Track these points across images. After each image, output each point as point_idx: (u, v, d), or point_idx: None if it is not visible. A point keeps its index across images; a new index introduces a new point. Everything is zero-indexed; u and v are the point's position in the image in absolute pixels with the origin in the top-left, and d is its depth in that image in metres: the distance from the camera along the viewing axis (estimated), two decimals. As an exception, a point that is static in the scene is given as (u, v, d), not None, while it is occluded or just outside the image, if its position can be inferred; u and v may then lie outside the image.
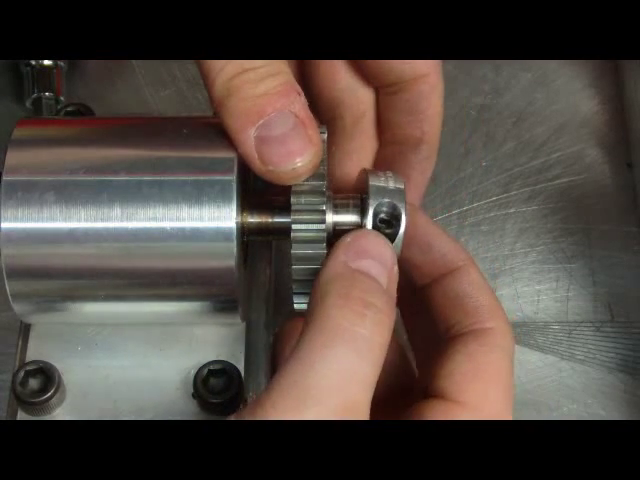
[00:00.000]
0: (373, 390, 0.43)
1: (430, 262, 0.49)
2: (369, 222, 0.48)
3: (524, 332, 0.61)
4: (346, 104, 0.54)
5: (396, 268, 0.46)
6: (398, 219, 0.48)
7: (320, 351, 0.42)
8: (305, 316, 0.44)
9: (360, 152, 0.54)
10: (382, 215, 0.48)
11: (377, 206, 0.48)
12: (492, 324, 0.47)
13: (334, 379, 0.42)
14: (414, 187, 0.54)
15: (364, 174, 0.49)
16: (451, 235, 0.49)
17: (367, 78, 0.54)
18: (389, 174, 0.49)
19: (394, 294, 0.46)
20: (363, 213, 0.48)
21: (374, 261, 0.45)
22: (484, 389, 0.45)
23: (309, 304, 0.45)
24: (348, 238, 0.46)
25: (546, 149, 0.67)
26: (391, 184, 0.48)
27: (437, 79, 0.53)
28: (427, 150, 0.54)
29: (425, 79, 0.52)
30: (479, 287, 0.48)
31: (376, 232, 0.47)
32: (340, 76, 0.54)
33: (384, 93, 0.54)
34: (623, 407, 0.58)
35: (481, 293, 0.48)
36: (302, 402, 0.41)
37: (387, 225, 0.48)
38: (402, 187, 0.48)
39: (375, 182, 0.48)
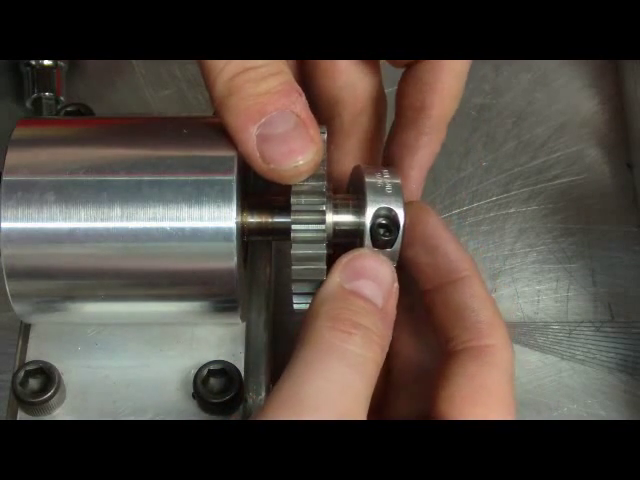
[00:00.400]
0: (368, 404, 0.43)
1: (433, 266, 0.48)
2: (367, 230, 0.48)
3: (524, 332, 0.61)
4: (344, 102, 0.54)
5: (396, 285, 0.46)
6: (397, 225, 0.47)
7: (314, 366, 0.43)
8: (299, 333, 0.45)
9: (358, 150, 0.54)
10: (380, 220, 0.48)
11: (374, 213, 0.48)
12: (491, 341, 0.46)
13: (329, 392, 0.42)
14: (406, 163, 0.52)
15: (359, 172, 0.49)
16: (460, 242, 0.48)
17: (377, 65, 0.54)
18: (385, 173, 0.49)
19: (392, 312, 0.46)
20: (362, 214, 0.48)
21: (369, 281, 0.46)
22: (485, 413, 0.45)
23: (303, 322, 0.45)
24: (345, 258, 0.46)
25: (546, 149, 0.67)
26: (388, 186, 0.48)
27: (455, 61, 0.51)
28: (427, 125, 0.51)
29: None
30: (480, 300, 0.47)
31: (374, 251, 0.47)
32: (339, 73, 0.53)
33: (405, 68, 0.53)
34: (623, 407, 0.58)
35: (482, 307, 0.46)
36: (297, 414, 0.41)
37: (386, 230, 0.48)
38: (399, 190, 0.48)
39: (371, 186, 0.48)
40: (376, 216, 0.48)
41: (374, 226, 0.48)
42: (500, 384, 0.45)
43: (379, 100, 0.54)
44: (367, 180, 0.48)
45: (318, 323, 0.44)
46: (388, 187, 0.48)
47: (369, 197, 0.48)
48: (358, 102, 0.54)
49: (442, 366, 0.46)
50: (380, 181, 0.48)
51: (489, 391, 0.45)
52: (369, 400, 0.43)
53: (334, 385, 0.42)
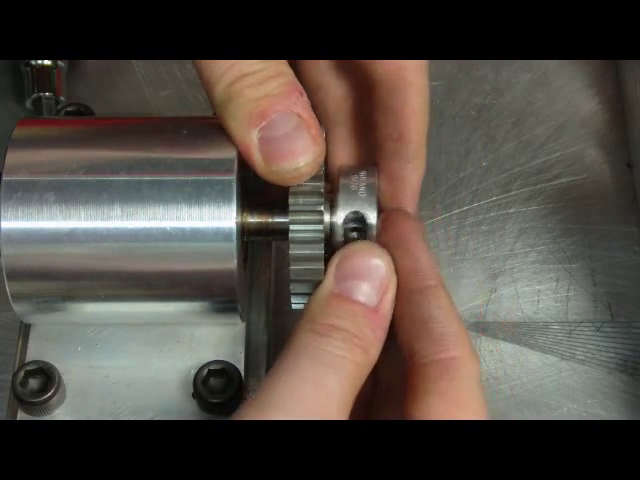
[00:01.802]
0: (347, 406, 0.43)
1: (401, 268, 0.47)
2: (339, 232, 0.48)
3: (524, 332, 0.60)
4: (327, 87, 0.53)
5: (393, 278, 0.46)
6: (369, 228, 0.48)
7: (286, 364, 0.43)
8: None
9: (345, 139, 0.53)
10: (351, 224, 0.48)
11: (346, 217, 0.48)
12: (458, 353, 0.44)
13: (298, 390, 0.42)
14: (400, 193, 0.51)
15: (339, 173, 0.50)
16: (432, 254, 0.48)
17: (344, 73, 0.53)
18: (362, 176, 0.49)
19: (387, 309, 0.46)
20: (334, 216, 0.48)
21: (360, 282, 0.45)
22: None
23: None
24: (337, 258, 0.46)
25: (546, 149, 0.67)
26: (362, 190, 0.48)
27: (414, 75, 0.50)
28: (410, 152, 0.51)
29: (399, 74, 0.50)
30: (446, 312, 0.46)
31: (368, 245, 0.47)
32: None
33: (362, 92, 0.52)
34: (623, 407, 0.58)
35: (448, 319, 0.45)
36: (263, 411, 0.41)
37: (359, 233, 0.48)
38: (373, 192, 0.48)
39: (345, 189, 0.48)
40: (347, 222, 0.48)
41: (347, 231, 0.48)
42: (473, 397, 0.44)
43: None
44: (341, 183, 0.49)
45: (299, 325, 0.44)
46: (362, 193, 0.48)
47: (340, 199, 0.48)
48: (343, 87, 0.53)
49: (410, 381, 0.45)
50: (355, 184, 0.48)
51: (465, 406, 0.44)
52: (349, 402, 0.43)
53: (304, 384, 0.42)
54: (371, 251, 0.46)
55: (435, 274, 0.47)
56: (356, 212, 0.48)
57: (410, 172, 0.51)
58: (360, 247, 0.47)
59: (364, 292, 0.45)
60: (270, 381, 0.42)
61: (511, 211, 0.65)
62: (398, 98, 0.50)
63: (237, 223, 0.48)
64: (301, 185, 0.48)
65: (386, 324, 0.46)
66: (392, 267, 0.46)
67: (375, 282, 0.45)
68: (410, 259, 0.47)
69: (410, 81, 0.50)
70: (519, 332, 0.60)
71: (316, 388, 0.42)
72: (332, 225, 0.48)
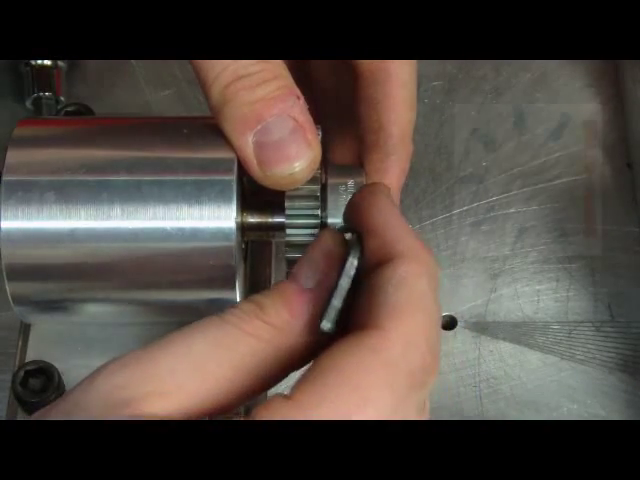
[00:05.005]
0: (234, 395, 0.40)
1: (367, 247, 0.42)
2: None
3: (524, 332, 0.61)
4: (322, 80, 0.53)
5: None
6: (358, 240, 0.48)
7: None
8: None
9: (346, 130, 0.53)
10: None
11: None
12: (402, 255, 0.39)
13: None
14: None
15: (326, 181, 0.49)
16: (407, 225, 0.41)
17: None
18: (350, 185, 0.49)
19: None
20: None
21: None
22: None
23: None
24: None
25: (546, 149, 0.67)
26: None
27: (399, 68, 0.50)
28: (390, 145, 0.50)
29: (383, 66, 0.50)
30: (396, 284, 0.39)
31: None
32: None
33: (349, 83, 0.52)
34: (623, 407, 0.58)
35: (396, 289, 0.39)
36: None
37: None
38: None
39: (334, 202, 0.48)
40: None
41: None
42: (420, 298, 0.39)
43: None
44: (330, 200, 0.48)
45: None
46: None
47: (329, 212, 0.48)
48: (333, 80, 0.53)
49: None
50: (344, 197, 0.48)
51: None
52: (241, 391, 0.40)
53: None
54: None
55: (400, 246, 0.40)
56: (347, 227, 0.48)
57: (390, 165, 0.51)
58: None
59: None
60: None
61: (511, 211, 0.65)
62: (380, 90, 0.50)
63: (237, 223, 0.48)
64: (297, 188, 0.48)
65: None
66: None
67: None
68: (378, 239, 0.41)
69: (394, 73, 0.50)
70: (519, 332, 0.60)
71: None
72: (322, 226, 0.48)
